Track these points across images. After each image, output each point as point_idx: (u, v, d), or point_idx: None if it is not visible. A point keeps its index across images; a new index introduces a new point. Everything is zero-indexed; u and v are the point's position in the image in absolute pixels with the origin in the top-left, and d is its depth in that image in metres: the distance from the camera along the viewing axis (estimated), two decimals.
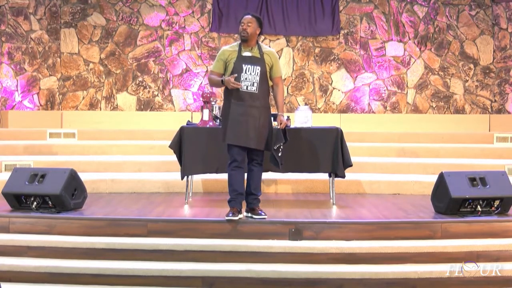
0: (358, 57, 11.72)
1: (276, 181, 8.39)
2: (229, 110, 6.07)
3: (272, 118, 6.32)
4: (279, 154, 6.24)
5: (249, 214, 6.18)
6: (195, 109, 11.57)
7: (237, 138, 6.01)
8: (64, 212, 6.46)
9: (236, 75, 5.95)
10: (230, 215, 6.03)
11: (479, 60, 11.71)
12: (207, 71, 11.65)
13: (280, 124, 6.16)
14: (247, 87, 6.01)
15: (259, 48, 6.14)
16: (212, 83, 6.22)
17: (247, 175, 6.23)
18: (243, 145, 6.04)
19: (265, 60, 6.10)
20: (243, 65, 6.02)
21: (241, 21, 6.13)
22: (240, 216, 6.11)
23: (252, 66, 6.02)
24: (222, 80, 6.01)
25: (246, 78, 6.01)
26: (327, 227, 6.11)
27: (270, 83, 6.22)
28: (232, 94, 6.04)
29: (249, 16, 6.12)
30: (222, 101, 6.26)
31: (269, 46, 11.56)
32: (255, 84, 6.02)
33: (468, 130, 11.06)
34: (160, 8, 11.70)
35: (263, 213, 6.14)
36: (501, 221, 6.25)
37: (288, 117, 7.65)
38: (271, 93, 6.35)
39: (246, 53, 6.08)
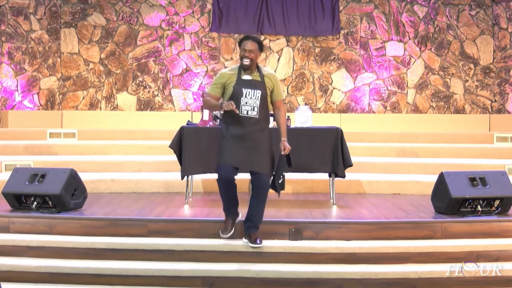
0: (358, 57, 11.72)
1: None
2: (227, 135, 5.77)
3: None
4: (280, 181, 5.94)
5: (246, 240, 5.85)
6: (195, 109, 11.57)
7: (231, 158, 5.69)
8: (64, 212, 6.46)
9: (237, 110, 5.64)
10: (224, 232, 5.86)
11: (479, 60, 11.71)
12: (207, 71, 11.65)
13: (284, 149, 5.80)
14: (247, 111, 5.72)
15: (259, 70, 5.86)
16: (209, 106, 5.97)
17: (250, 201, 5.86)
18: (236, 166, 5.72)
19: (265, 84, 5.81)
20: (243, 89, 5.73)
21: (242, 47, 5.80)
22: (237, 219, 5.93)
23: (253, 90, 5.74)
24: (221, 104, 5.67)
25: (246, 103, 5.72)
26: (327, 227, 6.12)
27: (270, 107, 5.94)
28: (231, 119, 5.74)
29: (250, 41, 5.78)
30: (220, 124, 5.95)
31: (269, 46, 11.61)
32: (256, 109, 5.73)
33: (468, 130, 11.06)
34: (160, 8, 11.71)
35: (259, 242, 5.79)
36: (501, 221, 6.25)
37: (288, 117, 7.66)
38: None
39: (246, 77, 5.79)
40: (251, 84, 5.76)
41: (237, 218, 5.97)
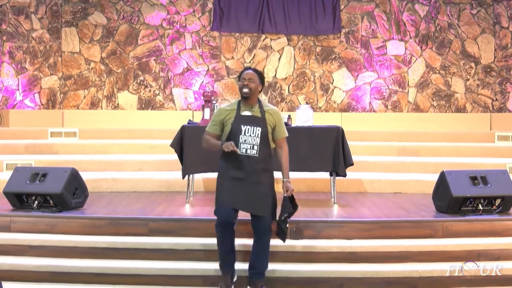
0: (359, 56, 11.72)
1: (277, 180, 8.35)
2: (226, 175, 5.36)
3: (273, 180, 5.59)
4: (287, 225, 5.43)
5: None
6: (196, 108, 11.57)
7: (229, 199, 5.31)
8: (65, 211, 6.47)
9: (238, 150, 5.25)
10: (223, 285, 5.41)
11: (480, 59, 11.70)
12: (208, 70, 11.65)
13: (287, 191, 5.39)
14: (246, 150, 5.29)
15: (260, 106, 5.41)
16: (207, 145, 5.47)
17: (253, 246, 5.49)
18: (235, 207, 5.33)
19: (266, 120, 5.36)
20: (242, 126, 5.30)
21: (242, 77, 5.40)
22: (235, 279, 5.50)
23: (252, 127, 5.31)
24: (221, 144, 5.28)
25: (245, 140, 5.29)
26: (328, 226, 6.12)
27: (272, 145, 5.48)
28: (229, 158, 5.31)
29: (251, 71, 5.41)
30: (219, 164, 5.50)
31: (270, 45, 11.61)
32: (255, 147, 5.29)
33: (469, 129, 11.05)
34: (161, 7, 11.70)
35: None
36: (502, 220, 6.26)
37: (289, 116, 7.66)
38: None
39: (246, 112, 5.36)
40: (251, 121, 5.33)
41: (234, 277, 5.50)
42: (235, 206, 5.33)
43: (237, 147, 5.25)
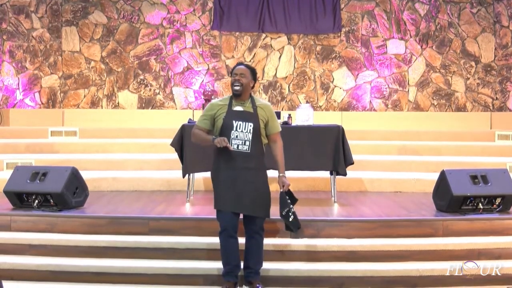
0: (360, 55, 11.71)
1: (277, 180, 8.38)
2: (219, 173, 5.33)
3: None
4: (290, 220, 5.40)
5: None
6: (196, 107, 11.57)
7: (228, 203, 5.27)
8: (66, 211, 6.47)
9: (230, 146, 5.20)
10: None
11: (481, 58, 11.70)
12: (208, 69, 11.65)
13: (283, 186, 5.37)
14: (238, 146, 5.23)
15: (252, 101, 5.37)
16: (197, 140, 5.45)
17: (245, 245, 5.46)
18: (234, 211, 5.29)
19: (258, 115, 5.31)
20: (234, 122, 5.25)
21: (233, 72, 5.35)
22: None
23: (244, 123, 5.25)
24: (212, 139, 5.24)
25: (237, 136, 5.24)
26: (328, 225, 6.12)
27: (265, 140, 5.42)
28: (222, 155, 5.27)
29: (243, 67, 5.37)
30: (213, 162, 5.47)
31: (271, 44, 11.60)
32: (247, 143, 5.24)
33: (470, 128, 11.05)
34: (161, 6, 11.70)
35: None
36: (503, 219, 6.26)
37: (289, 115, 7.66)
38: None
39: (238, 108, 5.32)
40: (243, 116, 5.28)
41: (237, 284, 5.44)
42: (233, 209, 5.29)
43: (229, 142, 5.20)
